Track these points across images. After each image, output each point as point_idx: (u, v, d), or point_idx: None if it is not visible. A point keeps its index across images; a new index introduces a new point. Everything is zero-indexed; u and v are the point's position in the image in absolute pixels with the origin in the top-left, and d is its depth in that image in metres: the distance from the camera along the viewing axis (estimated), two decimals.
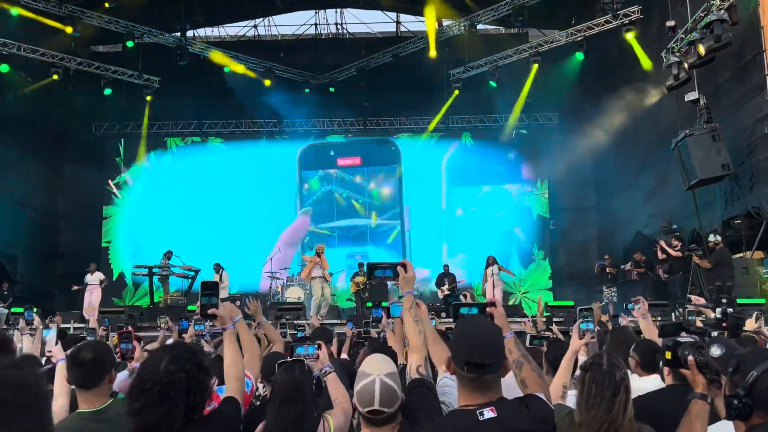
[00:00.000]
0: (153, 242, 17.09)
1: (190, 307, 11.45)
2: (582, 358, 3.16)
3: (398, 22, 20.20)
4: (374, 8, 19.18)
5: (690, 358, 2.36)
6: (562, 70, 16.46)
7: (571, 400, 2.46)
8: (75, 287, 14.53)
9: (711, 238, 10.57)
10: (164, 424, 1.97)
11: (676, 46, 11.23)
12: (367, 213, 18.94)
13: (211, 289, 2.73)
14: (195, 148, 20.01)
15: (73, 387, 2.91)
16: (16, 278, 16.05)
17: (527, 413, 2.05)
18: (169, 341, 6.75)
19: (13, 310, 11.90)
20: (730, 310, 4.39)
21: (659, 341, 3.67)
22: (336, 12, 19.96)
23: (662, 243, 12.18)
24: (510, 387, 2.58)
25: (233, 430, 2.31)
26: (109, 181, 19.30)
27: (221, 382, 2.58)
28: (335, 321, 11.26)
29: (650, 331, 4.51)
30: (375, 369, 2.22)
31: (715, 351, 2.35)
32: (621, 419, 2.17)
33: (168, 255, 14.28)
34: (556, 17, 16.49)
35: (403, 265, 2.79)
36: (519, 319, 8.95)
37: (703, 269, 10.51)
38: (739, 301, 8.61)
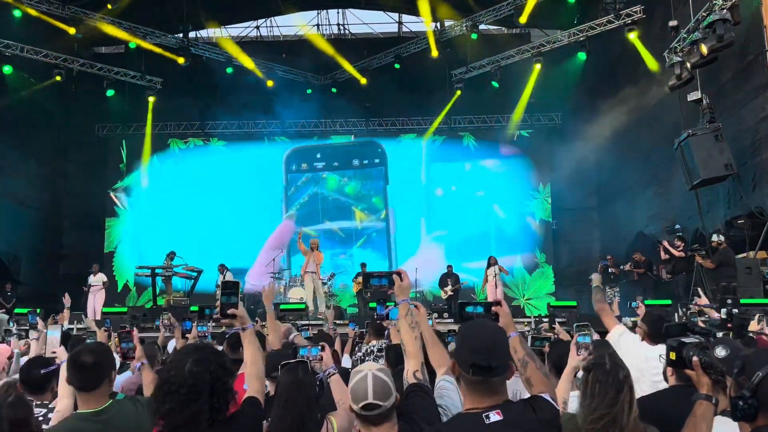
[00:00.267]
0: (156, 244, 17.11)
1: (192, 308, 11.46)
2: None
3: (400, 23, 20.23)
4: (376, 9, 19.20)
5: (695, 358, 2.35)
6: (565, 70, 16.45)
7: (573, 402, 2.46)
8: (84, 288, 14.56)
9: (714, 238, 10.56)
10: (190, 426, 1.97)
11: (679, 45, 11.21)
12: (353, 215, 18.87)
13: (231, 288, 2.73)
14: (197, 149, 20.04)
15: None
16: (20, 279, 16.10)
17: (534, 416, 2.04)
18: (172, 342, 6.77)
19: (16, 311, 11.93)
20: (735, 310, 4.39)
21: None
22: (338, 12, 19.99)
23: (665, 243, 12.16)
24: (510, 387, 2.60)
25: (256, 430, 2.32)
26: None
27: None
28: (337, 321, 11.25)
29: None
30: (366, 366, 2.25)
31: (720, 352, 2.35)
32: (625, 418, 2.17)
33: (171, 256, 14.30)
34: (559, 17, 16.48)
35: (398, 274, 2.83)
36: (522, 319, 8.96)
37: (706, 269, 10.49)
38: (742, 301, 8.58)
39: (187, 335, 6.28)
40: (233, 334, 4.88)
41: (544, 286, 18.20)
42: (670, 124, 12.65)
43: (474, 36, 16.34)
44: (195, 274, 14.07)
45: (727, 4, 9.82)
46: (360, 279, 14.07)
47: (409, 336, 2.75)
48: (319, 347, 3.40)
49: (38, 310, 6.94)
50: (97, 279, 14.40)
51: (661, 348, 3.41)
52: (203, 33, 19.85)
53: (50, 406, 3.18)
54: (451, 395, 2.86)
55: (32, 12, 14.90)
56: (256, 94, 18.00)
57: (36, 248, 17.58)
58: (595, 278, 4.62)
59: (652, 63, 13.57)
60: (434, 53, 16.88)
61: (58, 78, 15.76)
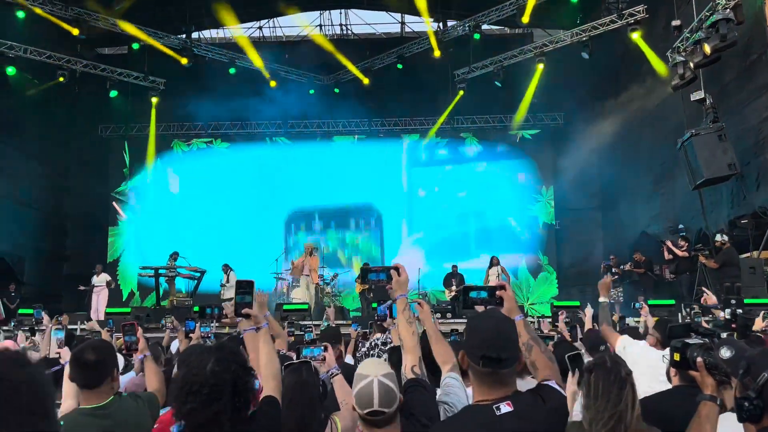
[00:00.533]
0: (159, 246, 17.15)
1: (195, 308, 11.47)
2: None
3: (403, 23, 20.22)
4: (379, 9, 19.21)
5: (699, 359, 2.35)
6: (567, 70, 16.43)
7: (576, 409, 2.46)
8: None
9: (718, 237, 10.53)
10: (212, 426, 1.97)
11: (682, 45, 11.20)
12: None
13: (246, 287, 2.72)
14: (200, 150, 20.09)
15: None
16: (23, 279, 16.13)
17: (543, 405, 2.04)
18: (174, 343, 6.79)
19: (20, 311, 11.97)
20: (739, 311, 4.38)
21: None
22: (341, 13, 20.01)
23: (668, 243, 12.14)
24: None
25: (275, 429, 2.32)
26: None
27: None
28: (341, 322, 11.25)
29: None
30: (372, 370, 2.22)
31: (725, 353, 2.34)
32: (629, 415, 2.17)
33: (174, 256, 14.32)
34: (561, 17, 16.46)
35: (396, 269, 2.84)
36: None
37: (710, 269, 10.47)
38: (746, 301, 8.57)
39: (191, 335, 6.29)
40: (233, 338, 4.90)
41: (548, 291, 18.16)
42: (673, 124, 12.63)
43: (476, 36, 16.34)
44: (198, 274, 14.09)
45: (731, 4, 9.80)
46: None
47: (406, 330, 2.75)
48: (322, 347, 3.40)
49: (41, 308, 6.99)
50: (100, 279, 14.44)
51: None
52: (206, 34, 19.90)
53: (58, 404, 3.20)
54: (457, 392, 2.86)
55: (37, 11, 14.91)
56: (259, 94, 18.01)
57: (39, 249, 17.62)
58: (602, 288, 4.55)
59: (659, 66, 13.45)
60: (437, 53, 16.88)
61: (61, 79, 15.80)
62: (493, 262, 14.51)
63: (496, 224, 18.51)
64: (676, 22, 11.35)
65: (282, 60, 18.64)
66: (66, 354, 3.30)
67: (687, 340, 2.49)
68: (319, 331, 6.73)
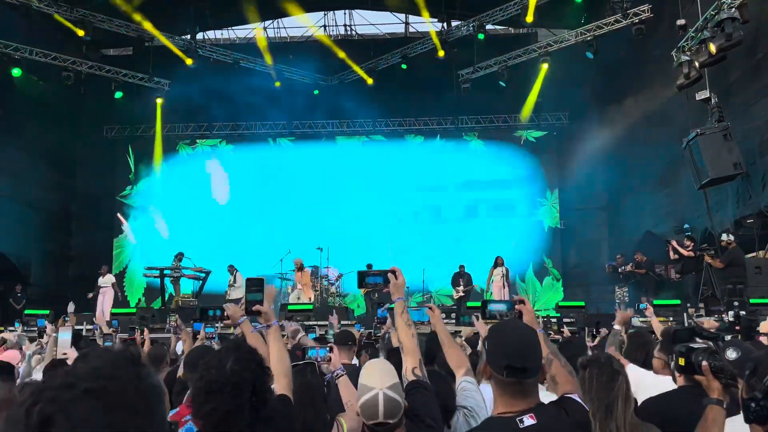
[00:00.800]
0: (165, 247, 17.20)
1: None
2: None
3: (407, 23, 20.22)
4: (382, 9, 19.21)
5: (704, 363, 2.34)
6: (572, 69, 16.40)
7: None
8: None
9: (723, 237, 10.50)
10: (231, 425, 1.97)
11: (687, 44, 11.16)
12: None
13: (256, 285, 2.73)
14: (204, 151, 20.14)
15: None
16: (30, 280, 16.21)
17: (567, 419, 2.02)
18: (179, 344, 6.81)
19: (26, 312, 12.03)
20: (742, 312, 4.36)
21: None
22: (345, 13, 20.03)
23: (674, 243, 12.11)
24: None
25: (289, 428, 2.32)
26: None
27: None
28: (345, 322, 11.26)
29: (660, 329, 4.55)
30: (377, 382, 2.21)
31: (731, 354, 2.33)
32: (619, 409, 2.19)
33: (179, 257, 14.37)
34: (566, 17, 16.44)
35: (393, 272, 2.85)
36: None
37: (716, 269, 10.44)
38: (752, 301, 8.56)
39: (197, 336, 6.32)
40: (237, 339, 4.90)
41: (554, 298, 18.07)
42: (678, 124, 12.59)
43: (481, 36, 16.32)
44: (203, 275, 14.12)
45: (736, 3, 9.76)
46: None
47: (405, 333, 2.76)
48: (327, 348, 3.40)
49: (46, 311, 7.02)
50: (105, 280, 14.49)
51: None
52: (210, 35, 19.95)
53: None
54: (474, 396, 2.88)
55: (42, 13, 14.97)
56: (263, 95, 18.03)
57: (45, 250, 17.70)
58: (619, 320, 4.53)
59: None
60: (441, 53, 16.86)
61: (66, 81, 15.86)
62: (498, 263, 14.49)
63: (500, 227, 18.45)
64: (681, 22, 11.31)
65: (286, 61, 18.67)
66: (73, 355, 3.32)
67: (691, 345, 2.48)
68: (325, 333, 6.74)
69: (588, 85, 17.21)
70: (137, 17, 15.93)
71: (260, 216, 19.02)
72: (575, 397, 2.13)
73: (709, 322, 7.06)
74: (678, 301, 10.55)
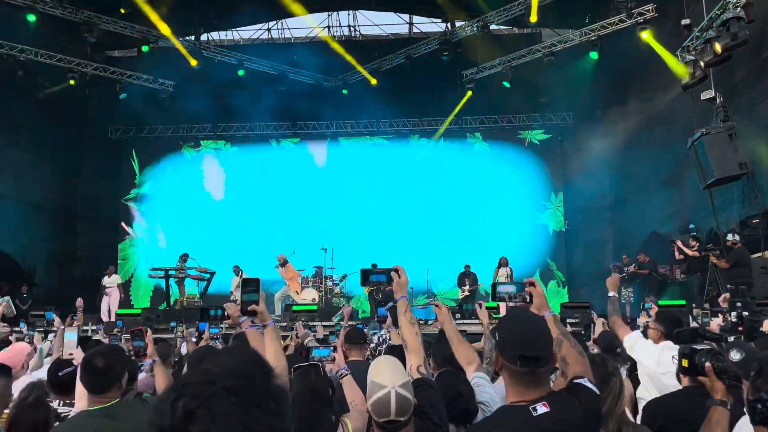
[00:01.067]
0: (170, 248, 17.25)
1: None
2: None
3: (411, 24, 20.23)
4: (386, 10, 19.23)
5: (707, 364, 2.34)
6: (577, 69, 16.38)
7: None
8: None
9: (729, 237, 10.46)
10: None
11: (692, 44, 11.13)
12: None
13: (252, 285, 2.74)
14: (208, 152, 20.19)
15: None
16: (35, 281, 16.26)
17: (579, 406, 2.02)
18: (184, 345, 6.83)
19: (32, 312, 12.05)
20: (745, 313, 4.35)
21: None
22: (349, 14, 20.04)
23: (679, 243, 12.08)
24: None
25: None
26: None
27: None
28: (350, 322, 11.24)
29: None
30: (389, 380, 2.22)
31: (735, 355, 2.33)
32: (608, 403, 2.20)
33: (184, 258, 14.40)
34: (570, 17, 16.42)
35: (396, 271, 2.86)
36: None
37: (721, 269, 10.40)
38: (758, 301, 8.50)
39: (201, 336, 6.34)
40: (239, 334, 4.92)
41: (556, 305, 18.00)
42: (683, 123, 12.56)
43: (485, 36, 16.31)
44: (208, 276, 14.15)
45: (741, 2, 9.74)
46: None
47: (409, 332, 2.77)
48: (331, 348, 3.41)
49: (52, 311, 7.04)
50: (111, 280, 14.53)
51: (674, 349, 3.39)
52: (215, 35, 19.99)
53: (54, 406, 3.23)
54: (488, 390, 2.90)
55: (47, 15, 15.03)
56: (267, 96, 18.06)
57: (51, 250, 17.76)
58: (610, 285, 4.54)
59: (679, 69, 13.17)
60: (445, 54, 16.84)
61: (72, 82, 15.91)
62: (502, 263, 14.48)
63: (504, 231, 18.38)
64: (685, 21, 11.29)
65: (290, 62, 18.69)
66: (79, 355, 3.33)
67: (695, 346, 2.48)
68: (334, 325, 6.75)
69: (592, 85, 17.18)
70: (153, 17, 15.90)
71: (265, 217, 19.04)
72: (586, 382, 2.11)
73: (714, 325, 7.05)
74: (683, 302, 10.50)
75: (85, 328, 10.39)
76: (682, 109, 12.71)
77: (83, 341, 4.40)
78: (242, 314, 2.72)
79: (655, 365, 3.50)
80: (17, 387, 3.40)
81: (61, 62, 15.82)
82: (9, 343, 5.78)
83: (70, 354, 3.52)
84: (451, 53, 16.80)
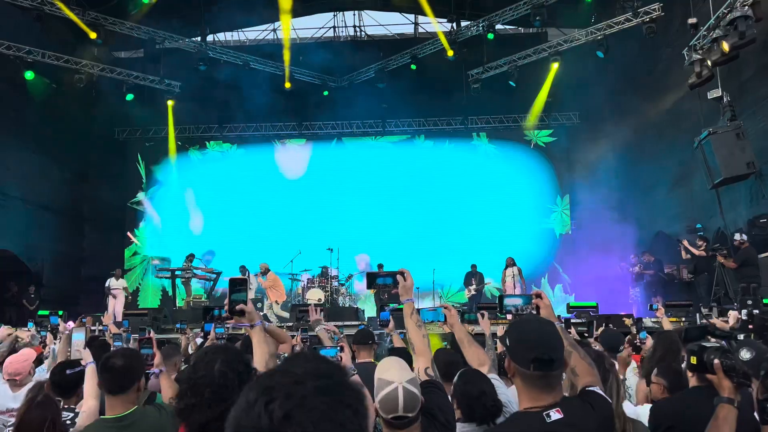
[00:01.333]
0: (176, 249, 17.29)
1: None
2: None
3: (416, 24, 20.23)
4: (391, 10, 19.23)
5: (716, 362, 2.33)
6: (583, 69, 16.34)
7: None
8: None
9: (736, 237, 10.41)
10: (217, 425, 1.98)
11: (699, 43, 11.08)
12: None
13: (240, 285, 2.74)
14: (215, 152, 20.24)
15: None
16: (43, 281, 16.34)
17: (593, 413, 2.02)
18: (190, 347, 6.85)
19: (39, 313, 12.11)
20: (755, 311, 4.32)
21: None
22: (354, 14, 20.06)
23: (685, 242, 12.03)
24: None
25: None
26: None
27: None
28: (355, 322, 11.27)
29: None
30: (396, 376, 2.22)
31: (745, 354, 2.31)
32: (616, 401, 2.19)
33: (190, 258, 14.44)
34: (576, 16, 16.37)
35: (402, 273, 2.87)
36: None
37: (729, 269, 10.36)
38: (765, 300, 8.47)
39: (207, 336, 6.36)
40: (247, 337, 4.92)
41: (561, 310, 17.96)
42: (690, 123, 12.51)
43: (490, 36, 16.29)
44: (214, 276, 14.19)
45: (749, 1, 9.68)
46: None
47: (416, 334, 2.77)
48: (338, 348, 3.42)
49: (59, 312, 7.07)
50: (118, 284, 14.57)
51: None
52: (221, 37, 20.03)
53: (76, 410, 3.23)
54: (504, 391, 2.90)
55: (54, 16, 15.09)
56: (274, 96, 18.09)
57: (58, 251, 17.84)
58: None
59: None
60: (450, 53, 16.83)
61: (78, 83, 15.98)
62: (508, 263, 14.46)
63: (511, 234, 18.30)
64: (692, 20, 11.23)
65: (296, 62, 18.71)
66: (87, 355, 3.33)
67: (704, 344, 2.47)
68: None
69: (598, 84, 17.11)
70: None
71: (271, 217, 19.07)
72: (598, 389, 2.11)
73: (720, 322, 7.01)
74: (690, 302, 10.46)
75: (92, 328, 10.42)
76: (689, 108, 12.66)
77: (90, 340, 4.40)
78: (230, 314, 2.71)
79: None
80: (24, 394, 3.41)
81: (68, 63, 15.89)
82: (15, 350, 5.81)
83: (78, 351, 3.51)
84: (456, 53, 16.78)
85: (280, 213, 19.12)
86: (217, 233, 18.89)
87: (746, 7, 9.63)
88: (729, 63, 10.47)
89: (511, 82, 16.51)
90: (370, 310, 15.55)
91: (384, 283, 3.02)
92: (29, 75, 15.10)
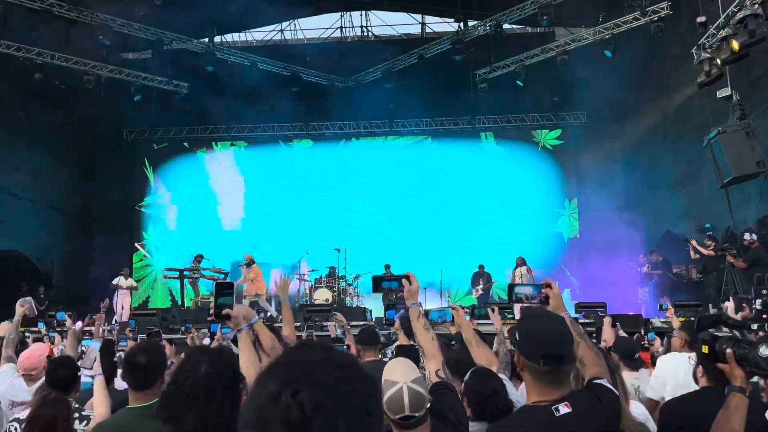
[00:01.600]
0: (183, 249, 17.35)
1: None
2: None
3: (423, 24, 20.21)
4: (399, 10, 19.22)
5: (728, 351, 2.30)
6: (590, 68, 16.26)
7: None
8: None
9: (746, 236, 10.34)
10: (200, 428, 1.97)
11: (708, 42, 11.01)
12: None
13: (227, 289, 2.74)
14: (223, 153, 20.29)
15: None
16: (52, 281, 16.44)
17: (601, 407, 2.02)
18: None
19: (48, 313, 12.19)
20: None
21: None
22: (361, 15, 20.06)
23: (693, 242, 11.96)
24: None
25: None
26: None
27: None
28: (361, 322, 11.27)
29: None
30: (401, 376, 2.22)
31: (765, 351, 2.28)
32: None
33: (198, 259, 14.49)
34: (584, 15, 16.31)
35: (407, 277, 2.86)
36: None
37: (738, 269, 10.29)
38: None
39: (213, 337, 6.37)
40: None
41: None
42: (699, 122, 12.44)
43: (498, 35, 16.24)
44: (222, 276, 14.22)
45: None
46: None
47: (424, 337, 2.76)
48: (345, 347, 3.42)
49: (68, 313, 7.12)
50: (127, 283, 14.63)
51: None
52: (228, 37, 20.08)
53: (86, 412, 3.24)
54: (512, 390, 2.90)
55: (63, 18, 15.18)
56: (281, 97, 18.13)
57: (67, 252, 17.94)
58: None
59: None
60: (457, 54, 16.79)
61: (87, 85, 16.05)
62: (518, 263, 14.42)
63: (518, 236, 18.23)
64: (701, 19, 11.16)
65: (303, 62, 18.74)
66: (97, 366, 3.33)
67: (716, 333, 2.44)
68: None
69: (606, 83, 17.03)
70: None
71: (278, 218, 19.10)
72: (605, 382, 2.10)
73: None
74: (699, 302, 10.41)
75: (103, 328, 10.46)
76: (698, 107, 12.58)
77: (108, 346, 4.38)
78: (216, 318, 2.70)
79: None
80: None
81: (77, 65, 15.97)
82: (26, 344, 5.84)
83: (90, 360, 3.47)
84: (463, 53, 16.74)
85: (287, 213, 19.15)
86: (225, 234, 18.93)
87: (756, 5, 9.56)
88: (738, 61, 10.40)
89: (518, 82, 16.46)
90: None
91: (389, 287, 3.02)
92: (38, 76, 15.18)
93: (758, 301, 4.47)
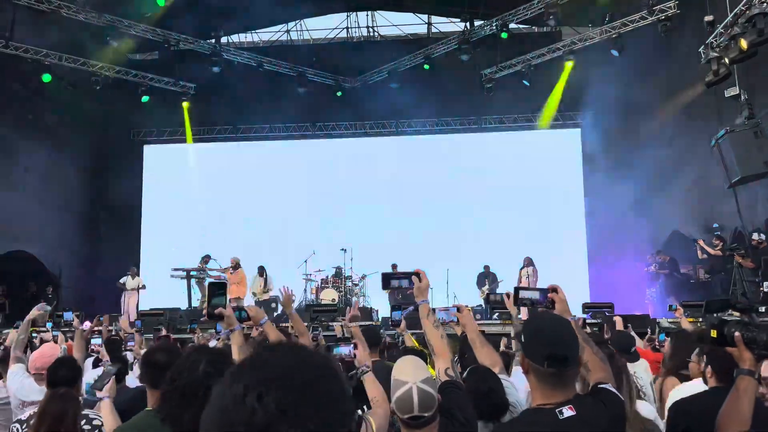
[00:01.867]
0: (190, 249, 17.38)
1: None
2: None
3: (429, 24, 20.21)
4: (405, 10, 19.23)
5: (737, 334, 2.30)
6: (597, 67, 16.22)
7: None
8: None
9: (754, 236, 10.30)
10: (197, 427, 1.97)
11: (715, 41, 10.97)
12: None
13: (220, 289, 2.74)
14: (229, 152, 20.33)
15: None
16: (60, 282, 16.51)
17: (605, 410, 2.02)
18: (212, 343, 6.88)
19: (57, 313, 12.25)
20: None
21: None
22: (367, 15, 20.08)
23: (701, 242, 11.91)
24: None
25: None
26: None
27: None
28: (368, 323, 11.27)
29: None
30: (410, 376, 2.23)
31: None
32: (628, 400, 2.18)
33: (206, 259, 14.52)
34: (591, 14, 16.27)
35: (417, 275, 2.84)
36: None
37: (746, 269, 10.25)
38: None
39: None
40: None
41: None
42: (706, 121, 12.40)
43: (504, 35, 16.23)
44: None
45: None
46: None
47: (433, 335, 2.76)
48: (352, 345, 3.42)
49: (76, 313, 7.15)
50: (134, 282, 14.69)
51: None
52: (234, 38, 20.13)
53: (94, 417, 3.25)
54: (513, 393, 2.91)
55: (71, 19, 15.25)
56: (288, 97, 18.16)
57: (75, 252, 18.02)
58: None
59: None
60: (464, 54, 16.78)
61: (95, 85, 16.13)
62: (525, 263, 14.39)
63: (525, 236, 18.17)
64: (709, 18, 11.12)
65: (310, 63, 18.77)
66: (107, 390, 3.31)
67: (724, 317, 2.45)
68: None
69: (613, 83, 16.98)
70: None
71: (285, 218, 19.10)
72: (610, 387, 2.10)
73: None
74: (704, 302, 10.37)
75: (110, 328, 10.50)
76: (706, 106, 12.53)
77: (112, 343, 4.40)
78: (209, 318, 2.70)
79: None
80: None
81: (84, 66, 16.05)
82: (33, 345, 5.88)
83: (102, 383, 3.39)
84: (470, 53, 16.73)
85: (293, 213, 19.16)
86: (231, 234, 18.94)
87: (765, 3, 9.52)
88: (747, 60, 10.35)
89: (525, 82, 16.44)
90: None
91: (399, 285, 3.01)
92: (46, 78, 15.27)
93: (765, 284, 4.46)
